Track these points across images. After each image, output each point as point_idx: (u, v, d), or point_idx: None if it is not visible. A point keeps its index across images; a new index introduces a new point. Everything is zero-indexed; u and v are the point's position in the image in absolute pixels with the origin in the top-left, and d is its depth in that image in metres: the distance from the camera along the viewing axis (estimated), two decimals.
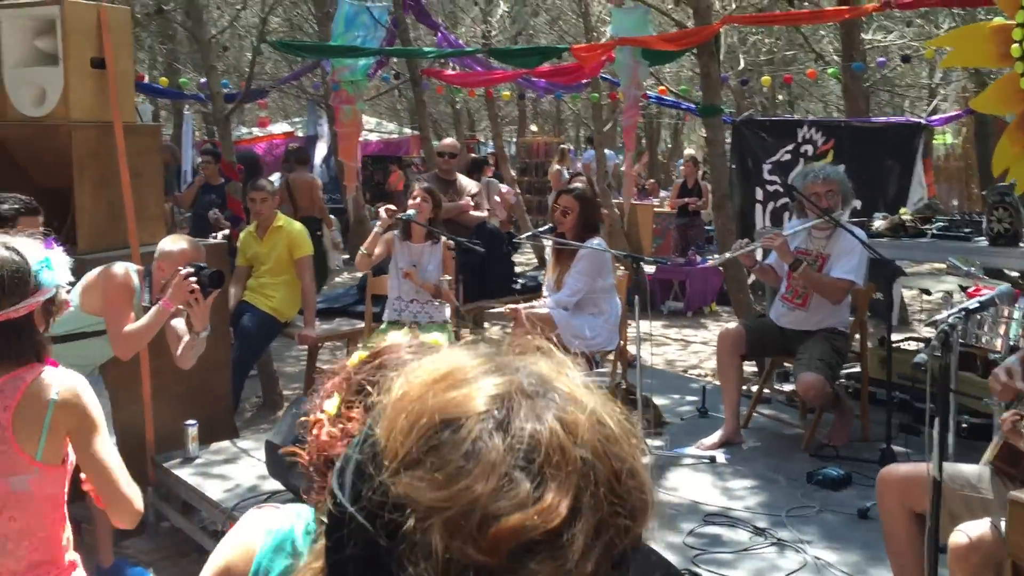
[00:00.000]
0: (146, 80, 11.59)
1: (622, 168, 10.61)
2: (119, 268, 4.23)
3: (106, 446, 2.23)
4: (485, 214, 7.53)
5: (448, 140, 8.49)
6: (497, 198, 10.22)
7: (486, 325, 8.82)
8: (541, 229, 5.59)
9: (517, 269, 10.41)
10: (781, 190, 7.92)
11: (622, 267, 6.04)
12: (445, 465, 0.67)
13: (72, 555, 2.28)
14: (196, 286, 3.97)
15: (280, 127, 20.22)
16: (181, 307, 4.07)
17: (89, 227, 4.80)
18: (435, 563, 0.65)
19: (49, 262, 2.23)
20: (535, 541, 0.65)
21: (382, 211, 5.53)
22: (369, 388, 1.29)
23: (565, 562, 0.66)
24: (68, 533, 2.27)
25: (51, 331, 3.88)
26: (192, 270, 3.99)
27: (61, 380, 2.21)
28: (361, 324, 6.32)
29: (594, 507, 0.68)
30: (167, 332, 4.32)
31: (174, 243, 4.25)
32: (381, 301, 5.88)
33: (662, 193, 16.42)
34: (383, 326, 5.64)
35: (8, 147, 4.92)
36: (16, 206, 3.82)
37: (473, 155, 13.97)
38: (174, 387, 4.93)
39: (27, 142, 4.90)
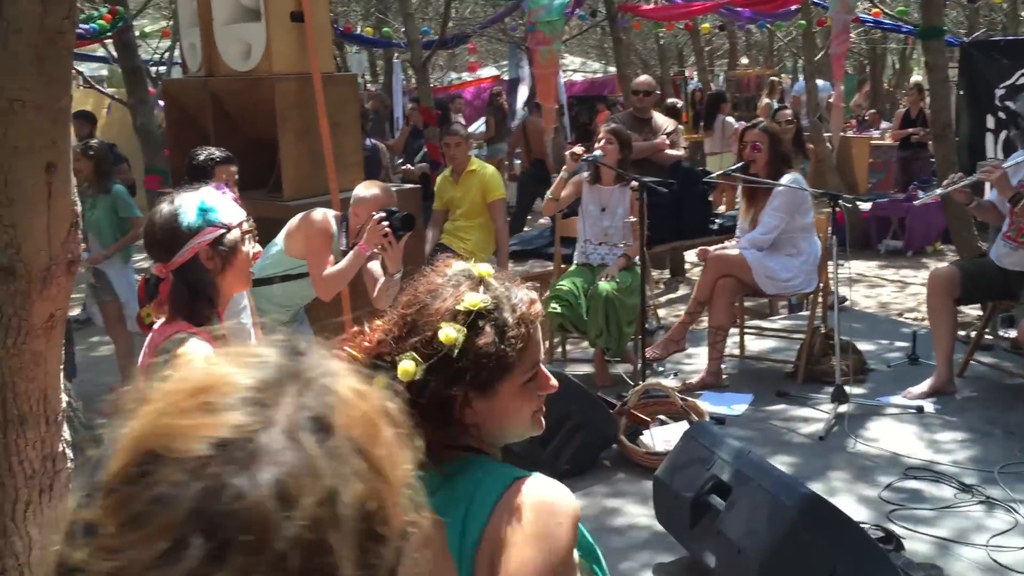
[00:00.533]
0: (357, 31, 12.05)
1: (830, 100, 9.97)
2: (318, 214, 4.44)
3: None
4: (681, 152, 7.29)
5: (643, 78, 8.27)
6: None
7: (686, 267, 8.64)
8: (734, 167, 5.36)
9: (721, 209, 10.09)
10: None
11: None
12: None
13: None
14: (388, 229, 4.10)
15: (488, 71, 20.50)
16: (376, 250, 4.22)
17: (293, 175, 5.06)
18: None
19: (207, 205, 2.33)
20: None
21: (567, 154, 5.49)
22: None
23: None
24: None
25: (258, 274, 4.20)
26: (384, 214, 4.13)
27: (189, 348, 2.22)
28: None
29: None
30: (364, 274, 4.51)
31: (367, 189, 4.40)
32: (572, 243, 5.87)
33: (883, 124, 15.35)
34: (572, 267, 5.63)
35: (221, 100, 5.26)
36: (212, 156, 4.07)
37: (711, 92, 13.62)
38: None
39: (236, 95, 5.21)
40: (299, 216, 4.47)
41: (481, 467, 1.32)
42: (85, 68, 15.46)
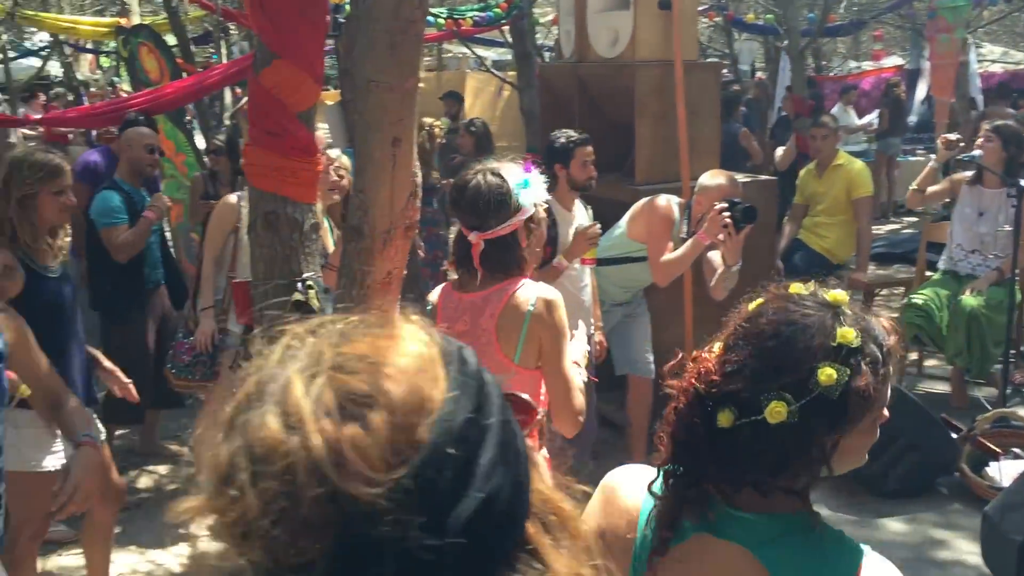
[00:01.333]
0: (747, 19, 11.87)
1: None
2: (662, 200, 4.51)
3: (566, 358, 2.47)
4: None
5: None
6: None
7: None
8: None
9: None
10: None
11: None
12: None
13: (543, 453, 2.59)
14: (729, 220, 4.06)
15: (892, 60, 19.14)
16: (716, 240, 4.21)
17: (647, 160, 5.16)
18: None
19: (527, 183, 2.49)
20: None
21: (938, 141, 5.02)
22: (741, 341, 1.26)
23: None
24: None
25: (600, 254, 4.38)
26: (726, 205, 4.09)
27: (538, 293, 2.47)
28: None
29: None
30: (703, 263, 4.52)
31: (712, 178, 4.39)
32: (941, 249, 5.38)
33: None
34: (936, 275, 5.17)
35: (588, 85, 5.50)
36: (571, 138, 4.28)
37: None
38: (715, 315, 5.12)
39: (601, 81, 5.42)
40: (643, 201, 4.57)
41: (825, 537, 1.25)
42: (492, 53, 16.85)
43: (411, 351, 0.70)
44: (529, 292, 2.48)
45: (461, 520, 0.63)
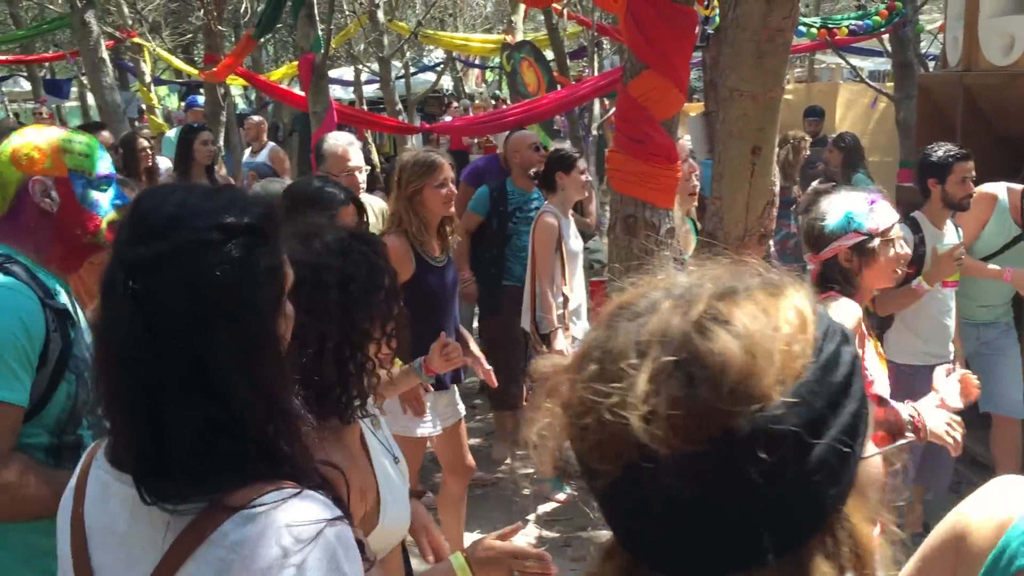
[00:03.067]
0: None
1: None
2: (987, 187, 4.13)
3: None
4: None
5: None
6: None
7: None
8: None
9: None
10: None
11: None
12: None
13: None
14: None
15: None
16: None
17: None
18: None
19: (851, 213, 2.50)
20: None
21: None
22: None
23: None
24: None
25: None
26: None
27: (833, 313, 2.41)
28: None
29: None
30: None
31: None
32: None
33: None
34: None
35: (975, 95, 5.08)
36: (950, 153, 3.99)
37: None
38: None
39: (991, 90, 4.98)
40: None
41: None
42: (868, 63, 15.96)
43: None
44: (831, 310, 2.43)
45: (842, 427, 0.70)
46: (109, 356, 1.14)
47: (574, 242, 4.51)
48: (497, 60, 17.96)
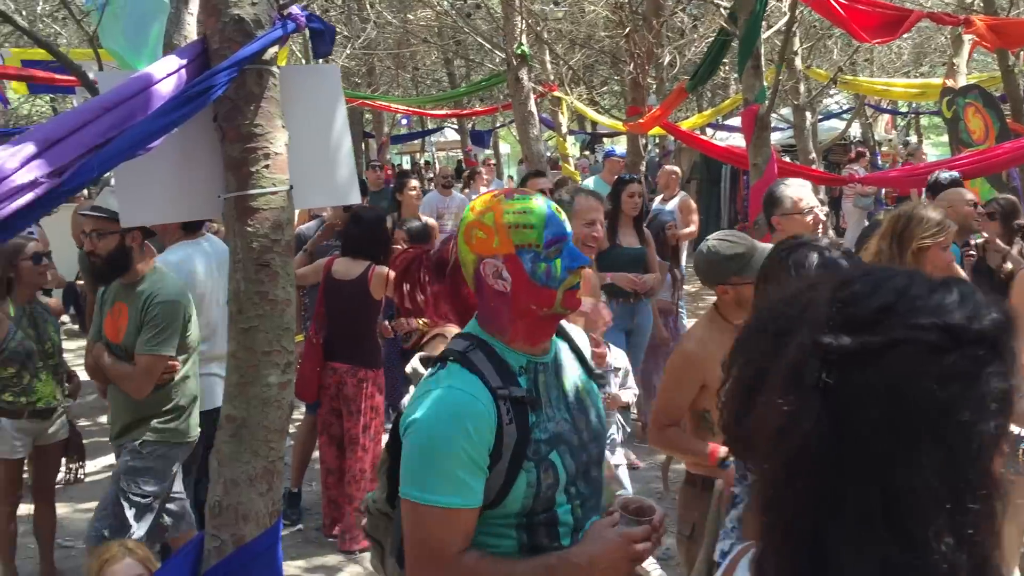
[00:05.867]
0: None
1: None
2: None
3: None
4: None
5: None
6: None
7: None
8: None
9: None
10: None
11: None
12: None
13: None
14: None
15: None
16: None
17: None
18: None
19: None
20: None
21: None
22: None
23: None
24: None
25: None
26: None
27: None
28: None
29: None
30: None
31: None
32: None
33: None
34: None
35: None
36: None
37: None
38: None
39: None
40: None
41: None
42: None
43: None
44: None
45: None
46: (779, 451, 0.97)
47: None
48: (915, 105, 16.70)
